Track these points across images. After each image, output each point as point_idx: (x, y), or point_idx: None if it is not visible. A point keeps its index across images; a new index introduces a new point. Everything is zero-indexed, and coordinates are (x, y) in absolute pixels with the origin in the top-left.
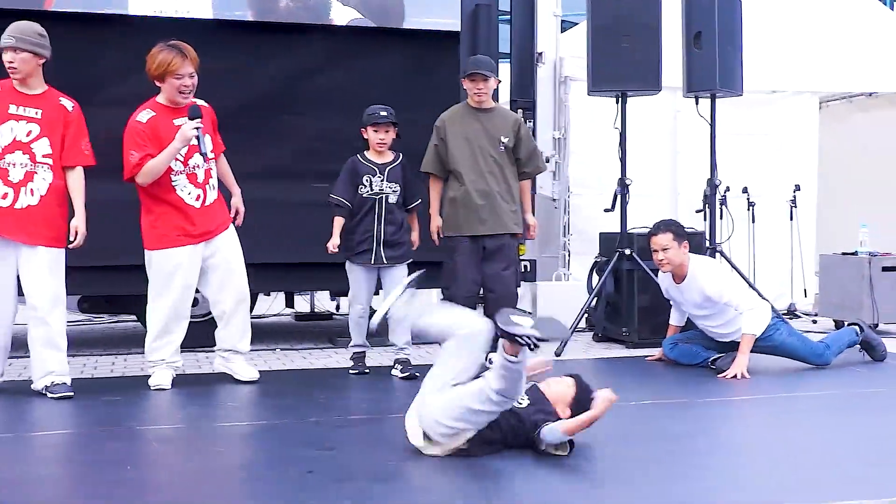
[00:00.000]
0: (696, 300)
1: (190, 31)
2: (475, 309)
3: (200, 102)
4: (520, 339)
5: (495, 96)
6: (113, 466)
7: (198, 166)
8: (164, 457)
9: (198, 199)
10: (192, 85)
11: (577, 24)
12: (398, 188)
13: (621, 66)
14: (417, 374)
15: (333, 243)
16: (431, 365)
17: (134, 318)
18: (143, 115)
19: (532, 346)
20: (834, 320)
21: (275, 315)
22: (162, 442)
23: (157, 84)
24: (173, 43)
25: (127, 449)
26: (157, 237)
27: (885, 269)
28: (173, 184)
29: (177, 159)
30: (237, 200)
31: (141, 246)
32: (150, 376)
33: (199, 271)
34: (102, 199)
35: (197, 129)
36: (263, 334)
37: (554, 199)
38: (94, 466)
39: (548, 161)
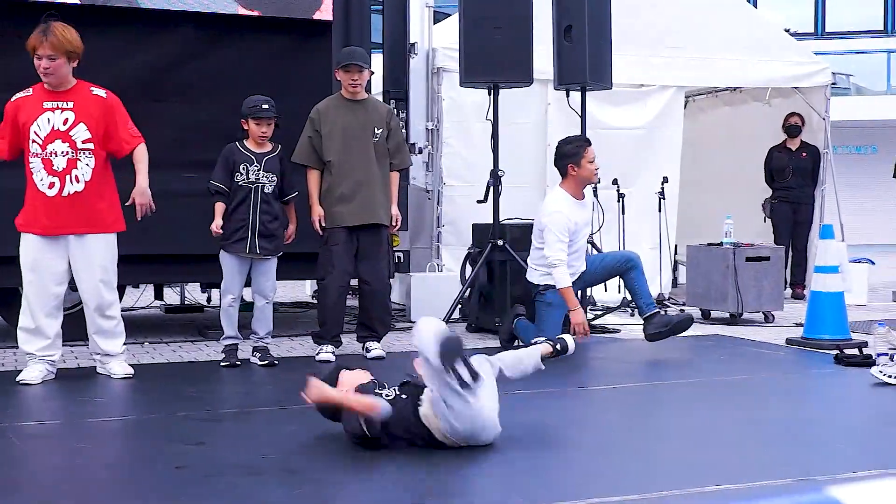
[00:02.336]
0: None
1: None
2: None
3: (99, 92)
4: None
5: (367, 87)
6: None
7: (55, 153)
8: (28, 455)
9: (51, 186)
10: (51, 67)
11: (449, 15)
12: (275, 178)
13: (493, 57)
14: (276, 362)
15: (217, 224)
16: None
17: None
18: (20, 94)
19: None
20: (701, 309)
21: (143, 308)
22: (25, 439)
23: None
24: (45, 24)
25: None
26: (21, 220)
27: (748, 259)
28: (31, 167)
29: (34, 141)
30: (134, 190)
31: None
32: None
33: (64, 265)
34: None
35: None
36: (132, 327)
37: (427, 191)
38: None
39: (420, 152)
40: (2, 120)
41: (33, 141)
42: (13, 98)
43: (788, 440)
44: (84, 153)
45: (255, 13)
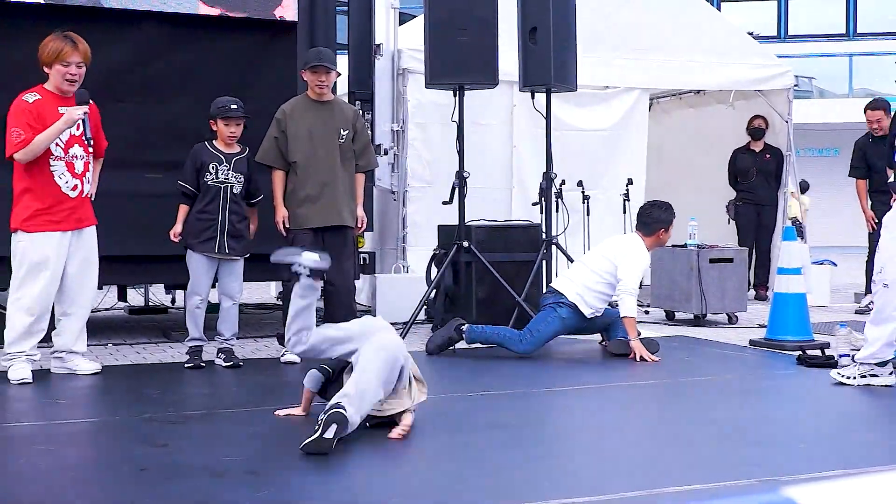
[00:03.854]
0: None
1: (18, 15)
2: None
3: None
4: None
5: (333, 88)
6: None
7: (76, 157)
8: None
9: (74, 188)
10: (78, 75)
11: (415, 16)
12: (243, 179)
13: (459, 59)
14: (241, 363)
15: (176, 231)
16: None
17: None
18: (30, 96)
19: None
20: (665, 311)
21: (107, 309)
22: None
23: (46, 71)
24: (66, 33)
25: None
26: (33, 221)
27: (712, 260)
28: (52, 169)
29: (57, 145)
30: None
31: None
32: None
33: (64, 262)
34: None
35: (84, 113)
36: (95, 329)
37: (393, 192)
38: None
39: (386, 153)
40: None
41: (56, 145)
42: (26, 98)
43: (749, 440)
44: (91, 156)
45: (217, 11)
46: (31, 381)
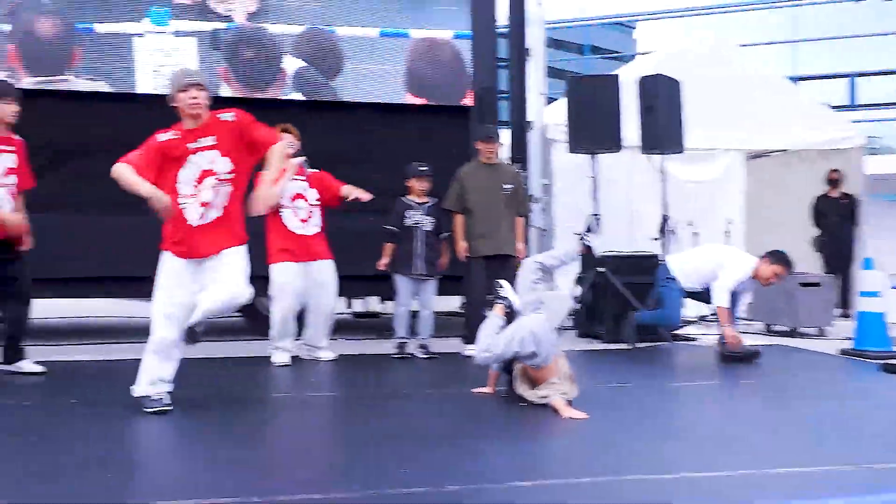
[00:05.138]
0: None
1: (273, 107)
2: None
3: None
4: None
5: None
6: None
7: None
8: (258, 428)
9: (303, 223)
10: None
11: (557, 99)
12: (434, 220)
13: (592, 131)
14: (436, 356)
15: (383, 262)
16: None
17: None
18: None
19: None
20: (765, 324)
21: (339, 313)
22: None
23: None
24: (286, 125)
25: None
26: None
27: (802, 284)
28: (281, 212)
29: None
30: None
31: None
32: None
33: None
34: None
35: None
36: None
37: (543, 230)
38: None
39: (538, 201)
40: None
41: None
42: None
43: (842, 433)
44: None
45: (422, 100)
46: (290, 364)
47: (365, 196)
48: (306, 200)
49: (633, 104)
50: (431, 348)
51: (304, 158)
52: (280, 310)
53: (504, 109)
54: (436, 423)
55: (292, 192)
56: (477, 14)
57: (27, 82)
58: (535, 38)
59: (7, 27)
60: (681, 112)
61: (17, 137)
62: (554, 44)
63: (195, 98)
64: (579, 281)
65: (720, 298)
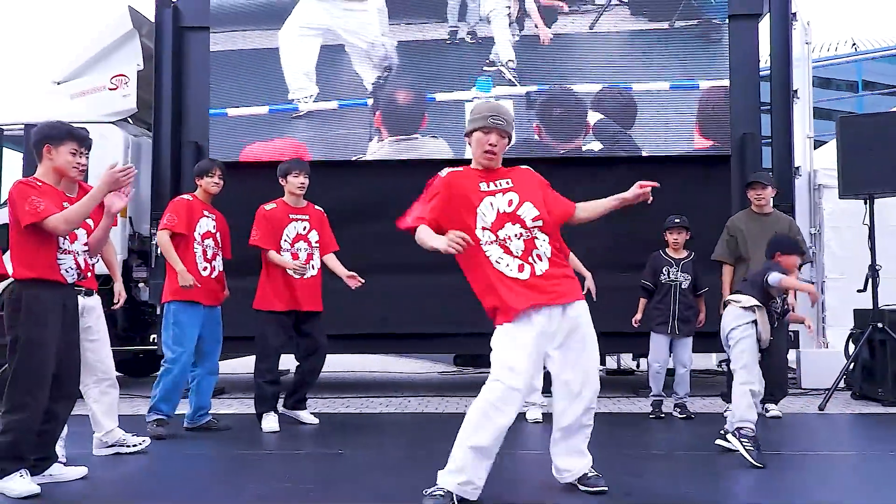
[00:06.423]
0: None
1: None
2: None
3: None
4: None
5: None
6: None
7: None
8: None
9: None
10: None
11: (826, 142)
12: (689, 277)
13: (868, 174)
14: (693, 416)
15: (637, 318)
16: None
17: None
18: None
19: None
20: None
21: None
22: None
23: None
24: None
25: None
26: None
27: None
28: None
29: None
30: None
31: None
32: None
33: None
34: None
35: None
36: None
37: (811, 282)
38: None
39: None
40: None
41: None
42: None
43: None
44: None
45: (709, 143)
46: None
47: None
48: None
49: None
50: (688, 407)
51: None
52: None
53: (766, 155)
54: (694, 487)
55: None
56: (736, 58)
57: (387, 141)
58: (801, 79)
59: (370, 100)
60: None
61: (317, 207)
62: (821, 82)
63: (494, 145)
64: (853, 337)
65: None
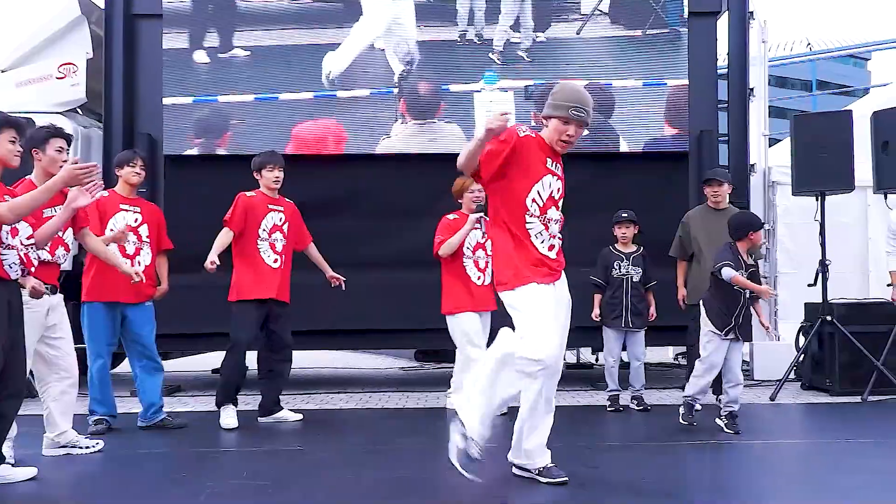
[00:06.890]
0: None
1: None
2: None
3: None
4: None
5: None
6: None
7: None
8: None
9: None
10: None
11: (781, 140)
12: (641, 270)
13: (820, 171)
14: (649, 408)
15: (595, 314)
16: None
17: None
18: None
19: None
20: None
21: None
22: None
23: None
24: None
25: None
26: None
27: None
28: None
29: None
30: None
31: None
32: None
33: None
34: None
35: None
36: None
37: (765, 277)
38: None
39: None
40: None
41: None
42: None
43: None
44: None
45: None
46: None
47: None
48: (485, 251)
49: (866, 141)
50: (645, 399)
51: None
52: (467, 358)
53: (723, 152)
54: (651, 476)
55: (473, 242)
56: (695, 56)
57: (410, 124)
58: (757, 78)
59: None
60: None
61: (288, 200)
62: (777, 81)
63: (571, 136)
64: (803, 330)
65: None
